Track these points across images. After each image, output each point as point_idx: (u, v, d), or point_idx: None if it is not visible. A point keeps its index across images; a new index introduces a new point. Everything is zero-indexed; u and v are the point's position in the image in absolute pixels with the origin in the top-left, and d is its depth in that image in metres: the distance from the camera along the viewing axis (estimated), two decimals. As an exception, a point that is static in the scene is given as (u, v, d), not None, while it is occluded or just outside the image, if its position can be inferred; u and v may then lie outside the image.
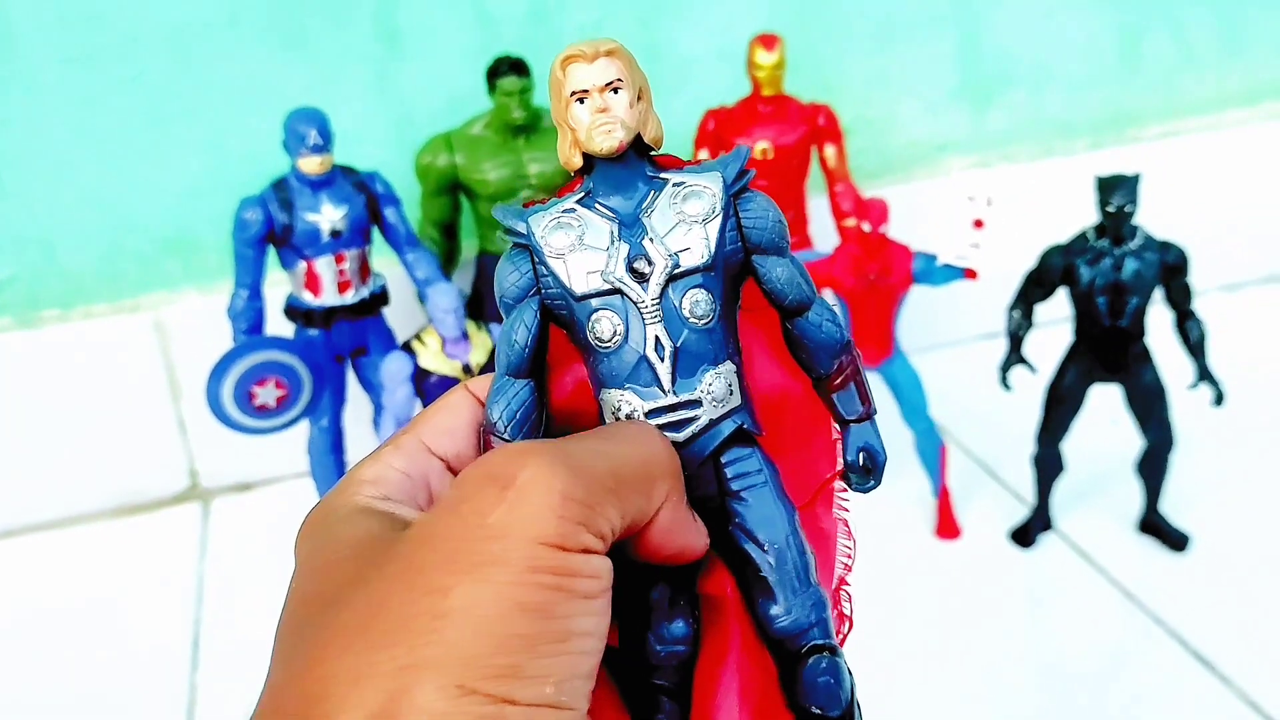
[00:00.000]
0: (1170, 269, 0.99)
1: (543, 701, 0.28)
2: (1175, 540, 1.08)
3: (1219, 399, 1.03)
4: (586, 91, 0.35)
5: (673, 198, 0.36)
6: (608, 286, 0.35)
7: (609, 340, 0.35)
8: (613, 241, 0.35)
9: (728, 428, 0.35)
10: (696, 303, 0.35)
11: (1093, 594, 1.04)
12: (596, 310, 0.35)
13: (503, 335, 0.36)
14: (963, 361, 1.38)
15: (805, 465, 0.39)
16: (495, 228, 1.16)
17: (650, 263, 0.35)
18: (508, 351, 0.36)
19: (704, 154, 1.18)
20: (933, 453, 1.11)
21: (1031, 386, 1.08)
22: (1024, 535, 1.11)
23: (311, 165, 1.00)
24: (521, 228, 0.36)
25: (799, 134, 1.16)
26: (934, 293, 1.13)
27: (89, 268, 1.20)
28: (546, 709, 0.28)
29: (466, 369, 0.99)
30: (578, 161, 0.36)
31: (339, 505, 0.34)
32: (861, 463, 0.38)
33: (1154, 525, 1.09)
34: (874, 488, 0.39)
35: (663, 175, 0.36)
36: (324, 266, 1.03)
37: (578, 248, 0.35)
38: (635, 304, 0.35)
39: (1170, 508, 1.10)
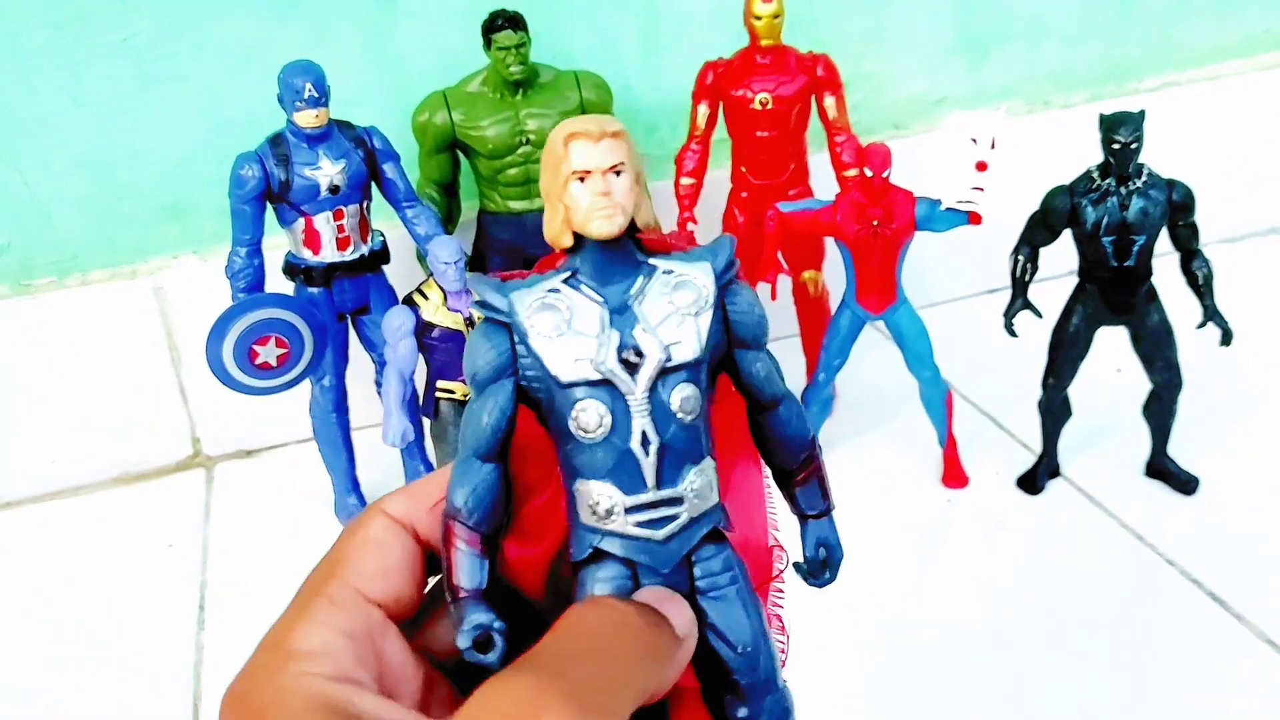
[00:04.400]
0: (1177, 207, 0.99)
1: None
2: (1184, 483, 1.07)
3: (1226, 338, 1.02)
4: (589, 172, 0.34)
5: (663, 286, 0.34)
6: (598, 376, 0.33)
7: (593, 431, 0.33)
8: (603, 328, 0.34)
9: (704, 528, 0.35)
10: (686, 398, 0.34)
11: (1103, 537, 1.03)
12: (582, 399, 0.33)
13: (472, 415, 0.34)
14: (964, 317, 1.38)
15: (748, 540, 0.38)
16: (495, 186, 1.15)
17: (641, 354, 0.33)
18: (476, 433, 0.34)
19: (702, 110, 1.18)
20: (939, 401, 1.11)
21: (1035, 339, 1.07)
22: (1031, 482, 1.10)
23: (308, 119, 0.99)
24: (502, 304, 0.34)
25: (798, 85, 1.15)
26: (933, 249, 1.12)
27: (85, 234, 1.18)
28: None
29: (469, 322, 0.98)
30: (568, 241, 0.34)
31: (283, 688, 0.30)
32: (820, 558, 0.38)
33: (1162, 469, 1.09)
34: (829, 583, 0.38)
35: (651, 261, 0.35)
36: (323, 223, 1.02)
37: (566, 332, 0.33)
38: (624, 396, 0.33)
39: (1177, 451, 1.09)
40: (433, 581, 0.37)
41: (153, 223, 1.20)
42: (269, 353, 1.02)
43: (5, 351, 1.17)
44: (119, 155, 1.17)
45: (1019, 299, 1.05)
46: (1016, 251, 1.05)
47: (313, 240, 1.03)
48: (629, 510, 0.34)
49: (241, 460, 1.26)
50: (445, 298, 0.98)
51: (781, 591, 0.39)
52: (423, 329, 0.98)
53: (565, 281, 0.34)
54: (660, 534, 0.34)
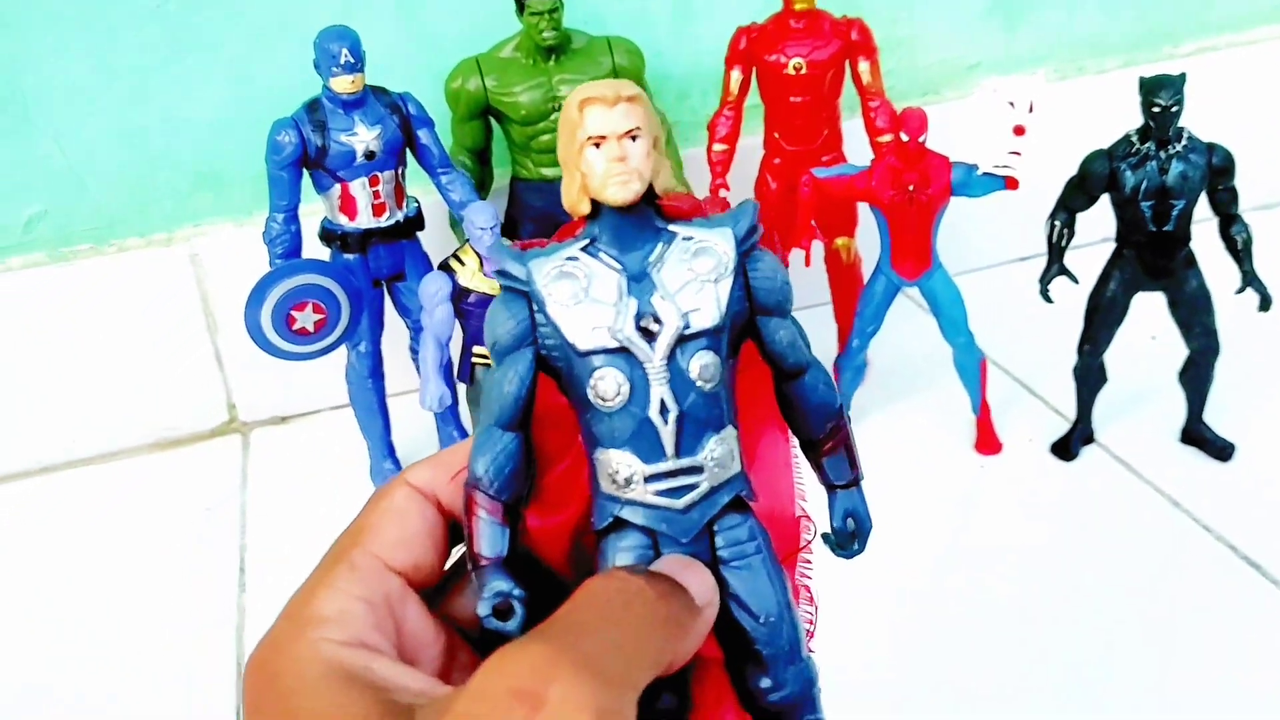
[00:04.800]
0: (1216, 171, 0.98)
1: None
2: (1220, 449, 1.07)
3: (1265, 304, 1.01)
4: (604, 137, 0.33)
5: (682, 253, 0.34)
6: (615, 344, 0.33)
7: (611, 399, 0.33)
8: (621, 296, 0.33)
9: (725, 497, 0.34)
10: (705, 366, 0.34)
11: (1138, 504, 1.03)
12: (600, 368, 0.33)
13: (493, 384, 0.35)
14: (999, 283, 1.37)
15: (774, 515, 0.37)
16: (527, 153, 1.16)
17: (659, 321, 0.33)
18: (499, 401, 0.34)
19: (735, 75, 1.17)
20: (973, 367, 1.10)
21: (1071, 305, 1.07)
22: (1065, 448, 1.10)
23: (344, 84, 0.99)
24: (521, 272, 0.34)
25: (832, 49, 1.14)
26: (969, 214, 1.12)
27: (120, 201, 1.19)
28: None
29: (505, 287, 0.98)
30: (585, 208, 0.34)
31: (300, 656, 0.30)
32: (849, 529, 0.38)
33: (1198, 435, 1.08)
34: (858, 554, 0.38)
35: (671, 227, 0.35)
36: (359, 189, 1.03)
37: (583, 300, 0.33)
38: (642, 364, 0.33)
39: (1213, 417, 1.09)
40: (457, 552, 0.37)
41: (188, 190, 1.21)
42: (306, 318, 1.02)
43: (43, 318, 1.18)
44: (153, 123, 1.17)
45: (1055, 265, 1.05)
46: (1053, 216, 1.04)
47: (348, 206, 1.03)
48: (648, 479, 0.34)
49: (277, 426, 1.27)
50: (481, 263, 0.98)
51: (809, 563, 0.38)
52: (459, 294, 0.99)
53: (583, 249, 0.34)
54: (680, 503, 0.34)
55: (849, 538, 0.38)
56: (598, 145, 0.33)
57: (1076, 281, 1.05)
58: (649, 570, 0.33)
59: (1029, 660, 0.87)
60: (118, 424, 1.24)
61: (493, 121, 1.17)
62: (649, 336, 0.33)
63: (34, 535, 1.13)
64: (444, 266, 1.00)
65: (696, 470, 0.34)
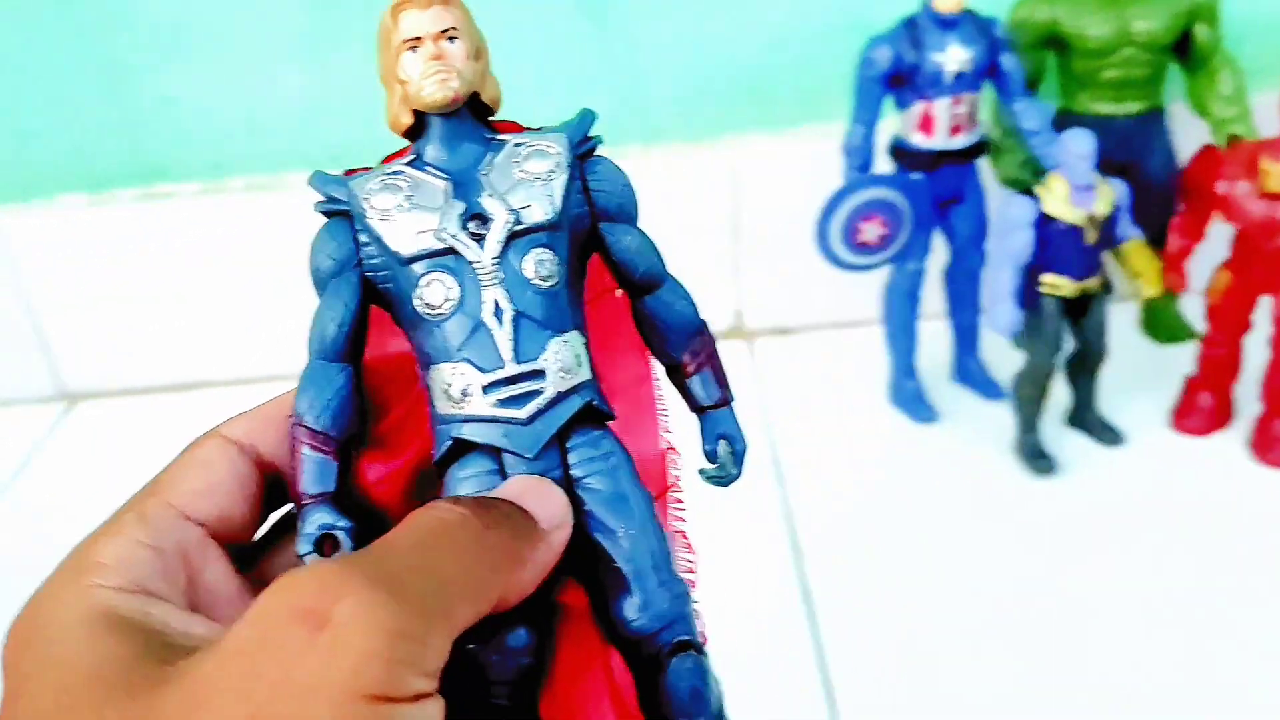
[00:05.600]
0: None
1: None
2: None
3: None
4: (419, 39, 0.32)
5: (512, 156, 0.33)
6: (441, 246, 0.32)
7: (440, 306, 0.31)
8: (446, 200, 0.32)
9: (575, 403, 0.32)
10: (540, 263, 0.32)
11: None
12: (426, 274, 0.32)
13: (317, 315, 0.33)
14: None
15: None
16: (1085, 87, 1.13)
17: (488, 220, 0.32)
18: (321, 332, 0.32)
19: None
20: None
21: None
22: None
23: (947, 4, 1.00)
24: (341, 193, 0.32)
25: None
26: None
27: (671, 109, 1.26)
28: None
29: (1090, 219, 0.97)
30: (407, 120, 0.33)
31: (67, 602, 0.27)
32: (720, 451, 0.35)
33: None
34: (735, 479, 0.35)
35: (501, 137, 0.34)
36: (941, 108, 1.04)
37: (406, 207, 0.32)
38: (471, 265, 0.31)
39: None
40: (280, 513, 0.35)
41: (734, 101, 1.26)
42: (871, 231, 1.05)
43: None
44: (712, 34, 1.23)
45: None
46: None
47: (927, 125, 1.05)
48: (486, 389, 0.31)
49: (779, 337, 1.32)
50: (1070, 190, 0.97)
51: (680, 502, 0.36)
52: (1042, 220, 0.98)
53: (408, 164, 0.33)
54: (523, 412, 0.31)
55: (728, 459, 0.35)
56: (414, 49, 0.32)
57: None
58: (478, 498, 0.31)
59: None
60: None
61: (1049, 52, 1.15)
62: (478, 238, 0.32)
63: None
64: (1028, 192, 1.00)
65: (538, 375, 0.32)
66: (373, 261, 0.32)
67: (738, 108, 1.26)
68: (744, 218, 1.27)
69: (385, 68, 0.33)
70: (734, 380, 0.37)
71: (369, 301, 0.33)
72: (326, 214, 0.33)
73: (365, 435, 0.34)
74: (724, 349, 0.36)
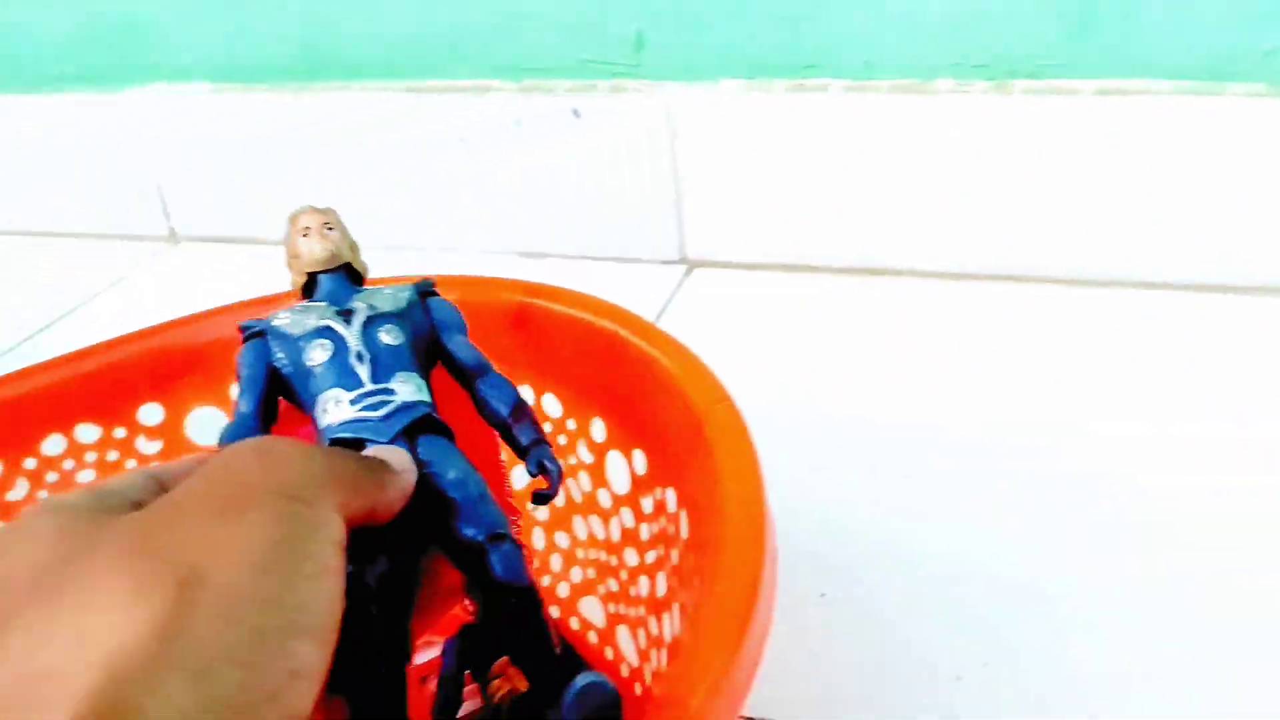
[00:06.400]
0: None
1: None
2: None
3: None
4: (309, 228, 0.44)
5: (374, 291, 0.44)
6: (322, 324, 0.42)
7: (321, 360, 0.41)
8: (326, 308, 0.43)
9: (421, 409, 0.40)
10: (389, 331, 0.42)
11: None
12: (311, 340, 0.42)
13: (238, 397, 0.42)
14: None
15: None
16: None
17: (354, 312, 0.42)
18: (240, 413, 0.42)
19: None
20: None
21: None
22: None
23: None
24: (259, 323, 0.43)
25: None
26: None
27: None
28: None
29: None
30: (302, 279, 0.44)
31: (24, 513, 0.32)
32: (540, 473, 0.43)
33: None
34: (553, 497, 0.43)
35: (367, 288, 0.45)
36: None
37: (299, 315, 0.43)
38: (342, 335, 0.42)
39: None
40: None
41: None
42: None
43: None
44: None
45: None
46: None
47: None
48: (352, 401, 0.40)
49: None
50: None
51: (517, 516, 0.48)
52: None
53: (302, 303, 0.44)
54: (378, 412, 0.40)
55: (550, 480, 0.43)
56: (305, 234, 0.44)
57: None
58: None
59: None
60: None
61: None
62: (348, 321, 0.42)
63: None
64: None
65: (390, 391, 0.41)
66: (277, 356, 0.42)
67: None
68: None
69: (290, 258, 0.46)
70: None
71: (276, 393, 0.43)
72: (247, 337, 0.43)
73: None
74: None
